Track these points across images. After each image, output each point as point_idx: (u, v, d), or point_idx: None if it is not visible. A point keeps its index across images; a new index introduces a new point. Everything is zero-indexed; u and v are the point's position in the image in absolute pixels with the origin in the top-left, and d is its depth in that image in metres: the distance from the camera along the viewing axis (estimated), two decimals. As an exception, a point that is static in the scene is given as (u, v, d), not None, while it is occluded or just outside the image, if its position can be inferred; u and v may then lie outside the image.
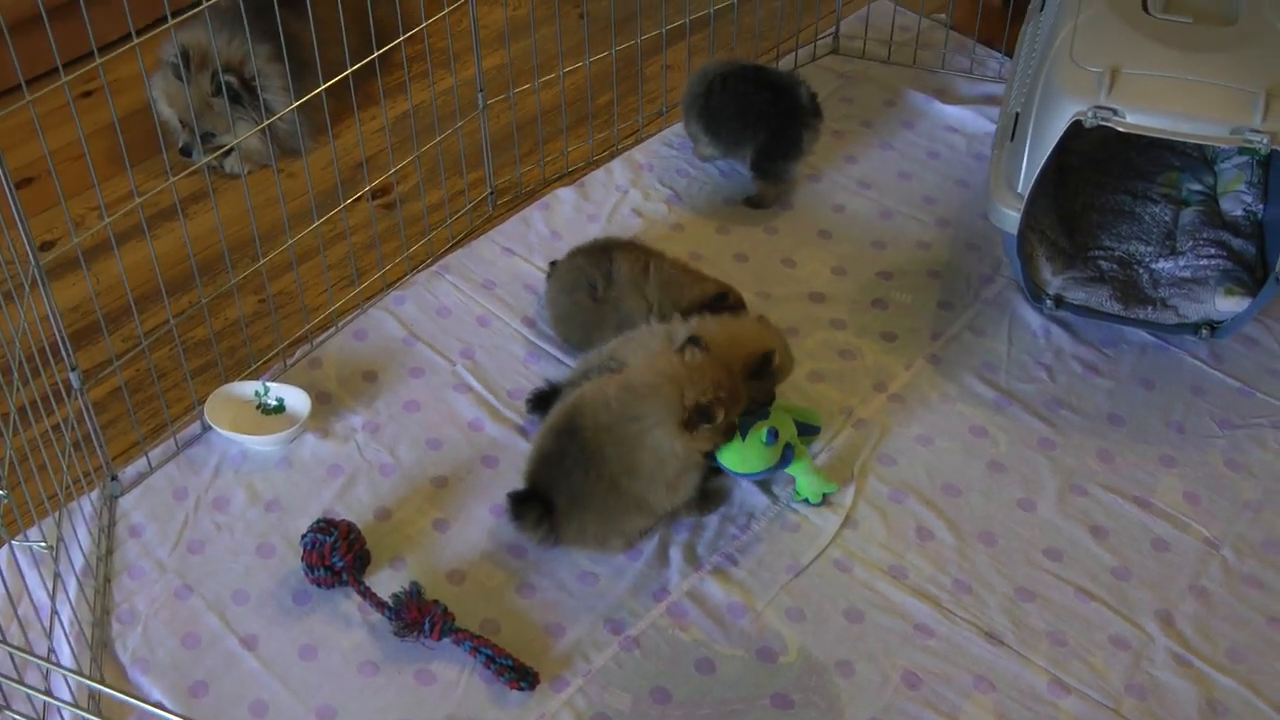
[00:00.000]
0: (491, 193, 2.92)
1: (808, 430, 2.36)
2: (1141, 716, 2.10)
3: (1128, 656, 2.17)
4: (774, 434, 2.24)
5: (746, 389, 2.24)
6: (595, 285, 2.51)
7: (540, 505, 2.21)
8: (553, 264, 2.65)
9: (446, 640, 2.13)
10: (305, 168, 2.89)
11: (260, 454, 2.43)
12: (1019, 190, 2.47)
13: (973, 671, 2.15)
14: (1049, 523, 2.35)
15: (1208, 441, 2.48)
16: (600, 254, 2.55)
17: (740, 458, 2.24)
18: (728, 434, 2.21)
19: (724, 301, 2.46)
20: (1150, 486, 2.41)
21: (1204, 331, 2.53)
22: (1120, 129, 2.33)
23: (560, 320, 2.59)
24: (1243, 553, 2.31)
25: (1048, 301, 2.60)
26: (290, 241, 2.53)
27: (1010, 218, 2.48)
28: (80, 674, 1.93)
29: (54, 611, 2.08)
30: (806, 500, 2.36)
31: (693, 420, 2.15)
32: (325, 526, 2.22)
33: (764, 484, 2.39)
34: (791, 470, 2.32)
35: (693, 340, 2.18)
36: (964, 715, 2.10)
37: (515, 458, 2.41)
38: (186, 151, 2.95)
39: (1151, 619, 2.22)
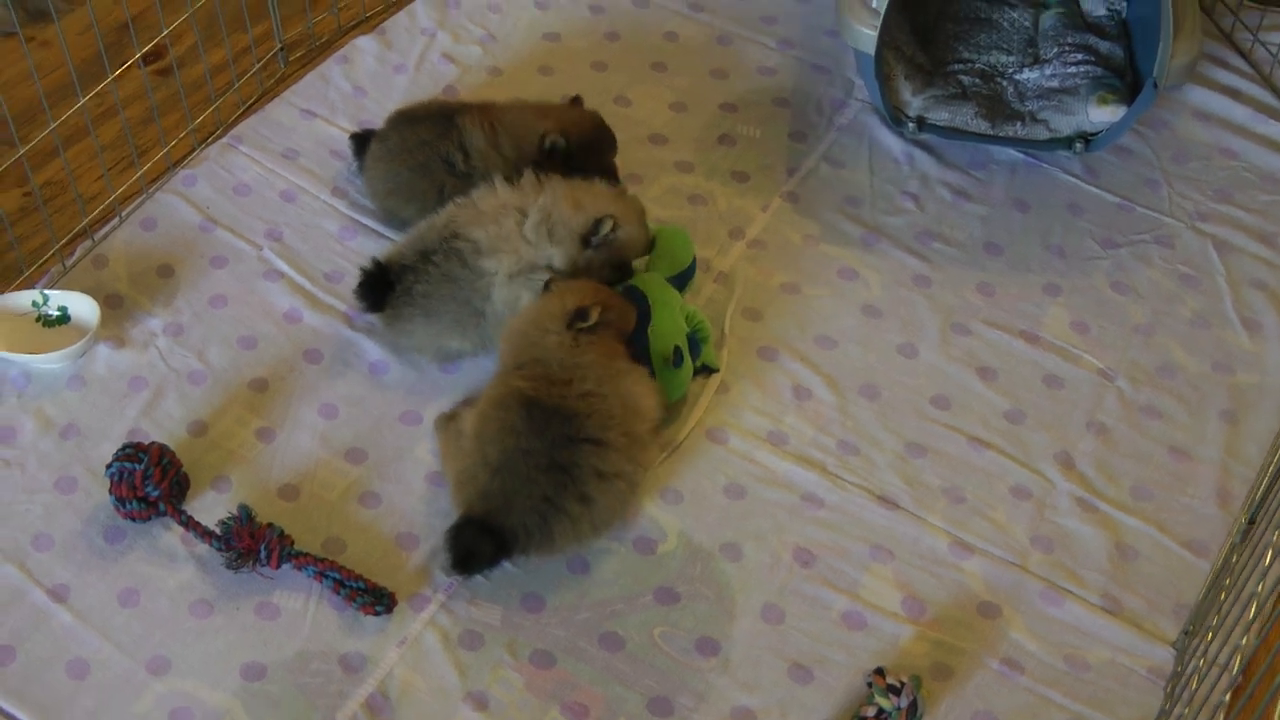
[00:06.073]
0: (282, 48, 2.57)
1: (694, 346, 2.14)
2: (1050, 569, 1.96)
3: (1030, 506, 2.02)
4: (679, 355, 2.06)
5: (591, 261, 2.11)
6: (452, 161, 2.23)
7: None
8: (364, 134, 2.34)
9: (287, 567, 1.91)
10: (59, 33, 2.50)
11: (46, 373, 2.12)
12: (872, 4, 2.24)
13: (869, 541, 1.98)
14: (933, 368, 2.18)
15: (1091, 264, 2.33)
16: (444, 124, 2.25)
17: (670, 389, 2.07)
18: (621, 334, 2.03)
19: (557, 150, 2.21)
20: (1036, 318, 2.25)
21: (1078, 145, 2.36)
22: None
23: (392, 195, 2.28)
24: (1138, 381, 2.18)
25: (909, 125, 2.39)
26: (54, 124, 2.18)
27: (866, 36, 2.25)
28: None
29: None
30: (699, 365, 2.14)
31: (572, 320, 1.96)
32: (132, 452, 1.94)
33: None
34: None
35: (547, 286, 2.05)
36: (864, 589, 1.93)
37: (340, 349, 2.15)
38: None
39: (1051, 463, 2.07)
